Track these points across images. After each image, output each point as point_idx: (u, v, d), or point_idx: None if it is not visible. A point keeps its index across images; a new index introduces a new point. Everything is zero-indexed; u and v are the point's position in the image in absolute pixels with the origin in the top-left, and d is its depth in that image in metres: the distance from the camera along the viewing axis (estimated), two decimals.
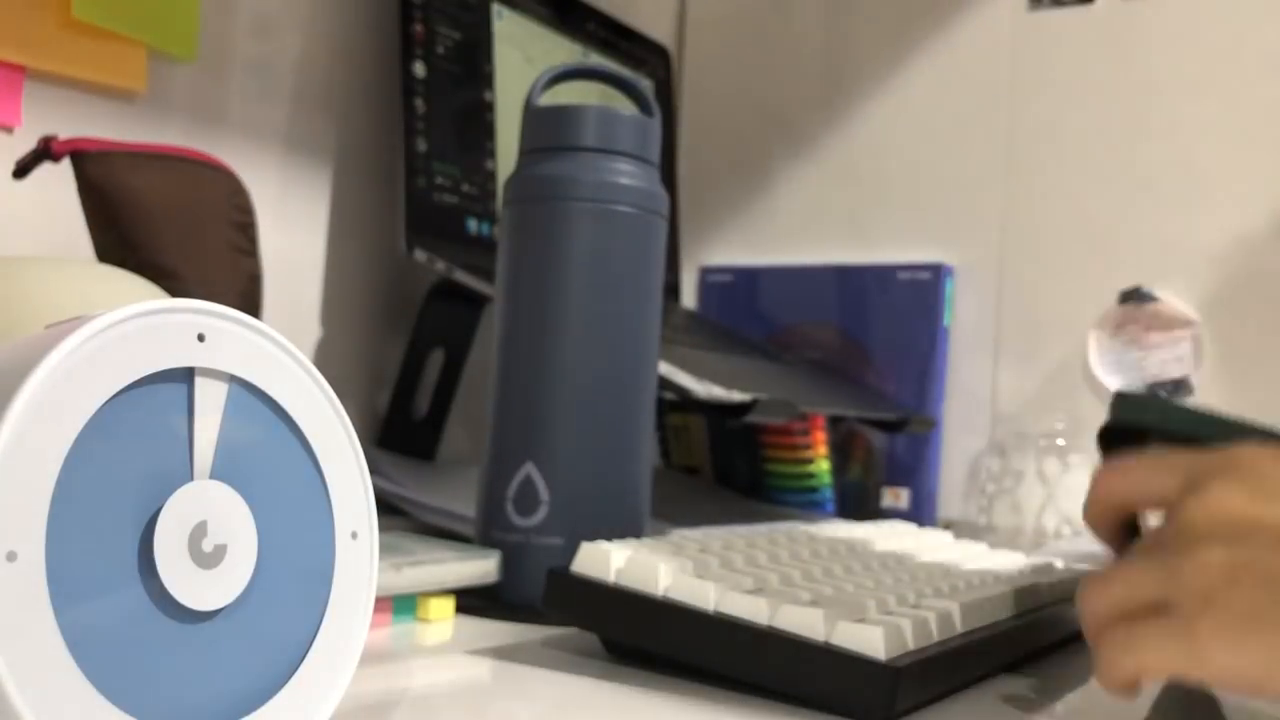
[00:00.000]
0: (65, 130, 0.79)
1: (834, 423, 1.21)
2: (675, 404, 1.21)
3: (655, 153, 0.71)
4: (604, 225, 0.68)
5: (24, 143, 0.77)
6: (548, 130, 0.70)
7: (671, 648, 0.53)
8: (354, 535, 0.39)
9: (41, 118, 0.79)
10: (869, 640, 0.49)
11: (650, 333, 0.70)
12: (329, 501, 0.38)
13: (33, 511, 0.30)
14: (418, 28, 0.97)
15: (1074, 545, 0.88)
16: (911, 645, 0.51)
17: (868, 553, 0.70)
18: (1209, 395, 1.07)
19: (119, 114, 0.84)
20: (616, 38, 1.24)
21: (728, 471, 1.19)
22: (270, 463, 0.37)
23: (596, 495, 0.68)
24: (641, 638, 0.54)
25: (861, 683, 0.48)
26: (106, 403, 0.32)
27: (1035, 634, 0.65)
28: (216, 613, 0.35)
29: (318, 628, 0.38)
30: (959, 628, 0.56)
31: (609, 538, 0.67)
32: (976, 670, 0.57)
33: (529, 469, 0.68)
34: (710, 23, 1.40)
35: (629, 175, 0.69)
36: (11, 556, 0.30)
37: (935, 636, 0.53)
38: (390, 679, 0.50)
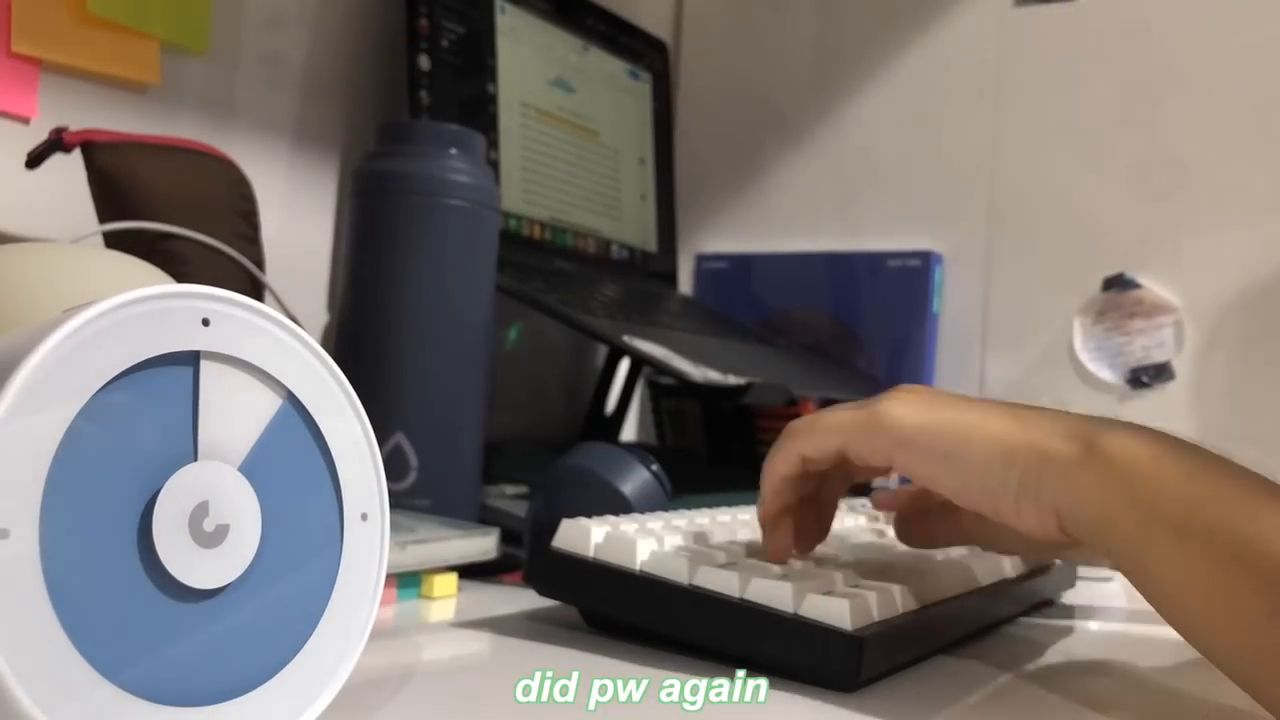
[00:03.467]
0: (80, 121, 0.81)
1: (825, 406, 1.22)
2: (672, 388, 1.23)
3: (482, 153, 0.81)
4: (437, 217, 0.77)
5: (40, 134, 0.78)
6: (389, 134, 0.80)
7: (648, 619, 0.55)
8: (364, 517, 0.39)
9: (57, 109, 0.80)
10: (836, 612, 0.51)
11: (483, 313, 0.80)
12: (337, 483, 0.38)
13: (27, 489, 0.30)
14: (423, 22, 0.98)
15: None
16: (876, 617, 0.53)
17: (840, 530, 0.72)
18: (1190, 380, 1.09)
19: (133, 106, 0.85)
20: (615, 32, 1.25)
21: (723, 455, 1.21)
22: (276, 445, 0.36)
23: (453, 460, 0.78)
24: (619, 610, 0.56)
25: (829, 652, 0.50)
26: (109, 384, 0.32)
27: (991, 608, 0.67)
28: (218, 591, 0.34)
29: (324, 607, 0.38)
30: (921, 601, 0.58)
31: (461, 498, 0.78)
32: (937, 642, 0.59)
33: (399, 438, 0.75)
34: (706, 18, 1.41)
35: (462, 172, 0.78)
36: (4, 534, 0.29)
37: (899, 609, 0.55)
38: (395, 654, 0.52)
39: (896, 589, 0.56)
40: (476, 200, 0.79)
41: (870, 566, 0.61)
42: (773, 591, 0.52)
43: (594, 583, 0.57)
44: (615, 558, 0.57)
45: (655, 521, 0.63)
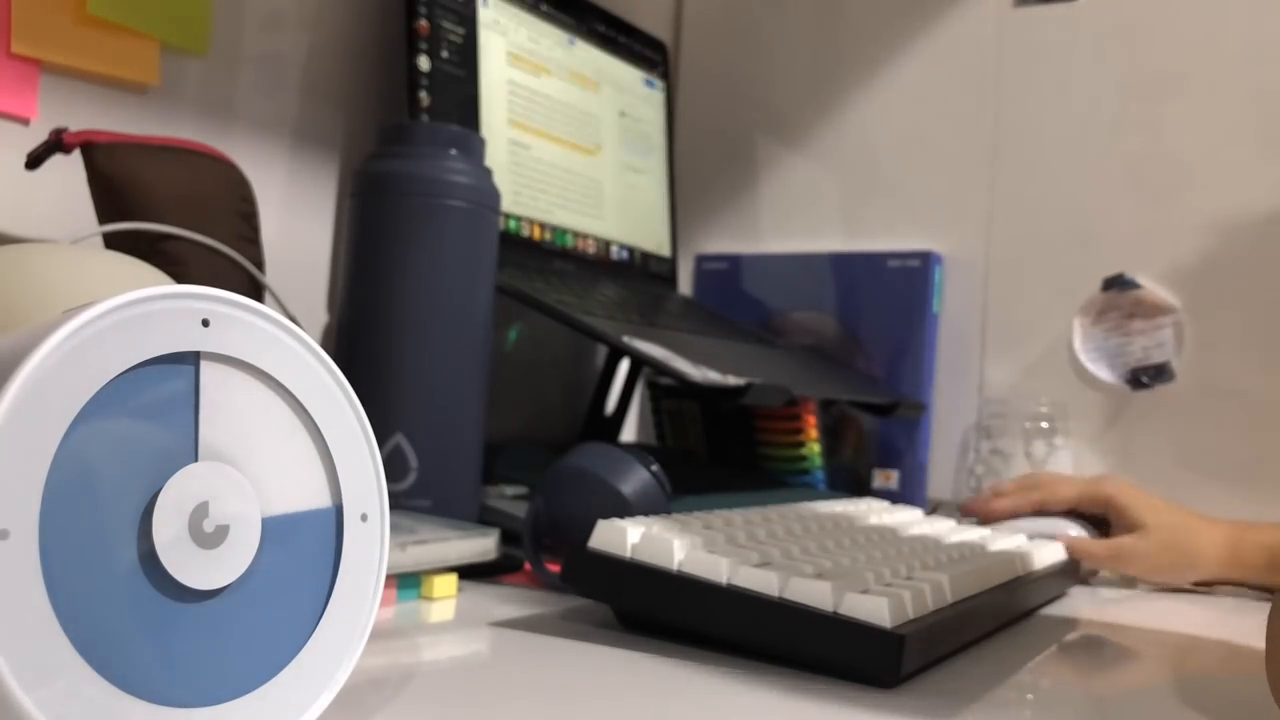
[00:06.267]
0: (80, 122, 0.81)
1: (826, 407, 1.23)
2: (671, 389, 1.23)
3: (482, 154, 0.81)
4: (437, 218, 0.77)
5: (40, 134, 0.78)
6: (390, 135, 0.80)
7: (686, 619, 0.56)
8: (364, 518, 0.38)
9: (57, 110, 0.80)
10: (875, 610, 0.52)
11: (483, 313, 0.80)
12: (338, 483, 0.38)
13: (27, 489, 0.30)
14: (422, 23, 0.99)
15: (1032, 523, 0.92)
16: (911, 614, 0.54)
17: (856, 528, 0.73)
18: (1189, 380, 1.09)
19: (132, 107, 0.85)
20: (615, 33, 1.25)
21: (722, 455, 1.21)
22: (276, 445, 0.36)
23: (453, 460, 0.77)
24: (657, 609, 0.57)
25: (869, 649, 0.51)
26: (109, 384, 0.32)
27: (1014, 603, 0.68)
28: (217, 592, 0.35)
29: (324, 608, 0.38)
30: (950, 598, 0.59)
31: (463, 498, 0.77)
32: (967, 636, 0.60)
33: (399, 439, 0.73)
34: (706, 18, 1.41)
35: (461, 173, 0.78)
36: (4, 534, 0.29)
37: (930, 606, 0.56)
38: (395, 654, 0.52)
39: (926, 587, 0.57)
40: (477, 201, 0.79)
41: (905, 563, 0.62)
42: (811, 590, 0.53)
43: (631, 582, 0.58)
44: (653, 558, 0.57)
45: (691, 521, 0.64)
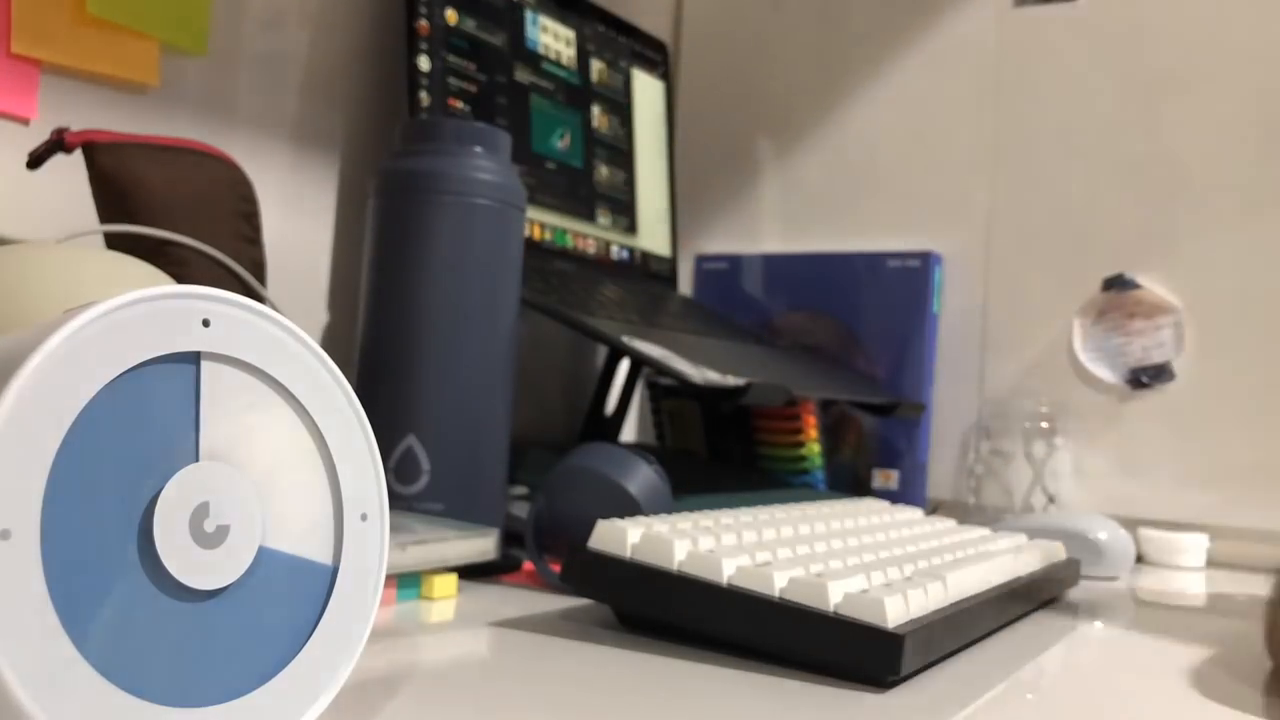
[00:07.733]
0: (80, 122, 0.81)
1: (825, 407, 1.23)
2: (671, 389, 1.23)
3: (508, 152, 0.79)
4: (464, 216, 0.76)
5: (40, 134, 0.79)
6: (415, 133, 0.78)
7: (687, 619, 0.56)
8: (364, 517, 0.38)
9: (57, 110, 0.80)
10: (875, 610, 0.52)
11: (508, 315, 0.78)
12: (337, 484, 0.38)
13: (28, 489, 0.30)
14: (422, 22, 0.99)
15: (1032, 520, 0.92)
16: (911, 614, 0.54)
17: (856, 528, 0.73)
18: (1189, 380, 1.09)
19: (132, 106, 0.85)
20: (616, 33, 1.25)
21: (722, 455, 1.21)
22: (276, 446, 0.36)
23: (470, 464, 0.75)
24: (658, 610, 0.57)
25: (869, 649, 0.51)
26: (110, 385, 0.32)
27: (1014, 602, 0.69)
28: (218, 592, 0.34)
29: (324, 607, 0.37)
30: (950, 598, 0.59)
31: (481, 503, 0.75)
32: (967, 636, 0.60)
33: (410, 441, 0.72)
34: (706, 18, 1.41)
35: (488, 170, 0.76)
36: (5, 535, 0.29)
37: (930, 606, 0.56)
38: (395, 654, 0.52)
39: (926, 586, 0.57)
40: (504, 200, 0.77)
41: (905, 563, 0.62)
42: (811, 590, 0.53)
43: (631, 582, 0.58)
44: (652, 558, 0.57)
45: (691, 521, 0.64)
